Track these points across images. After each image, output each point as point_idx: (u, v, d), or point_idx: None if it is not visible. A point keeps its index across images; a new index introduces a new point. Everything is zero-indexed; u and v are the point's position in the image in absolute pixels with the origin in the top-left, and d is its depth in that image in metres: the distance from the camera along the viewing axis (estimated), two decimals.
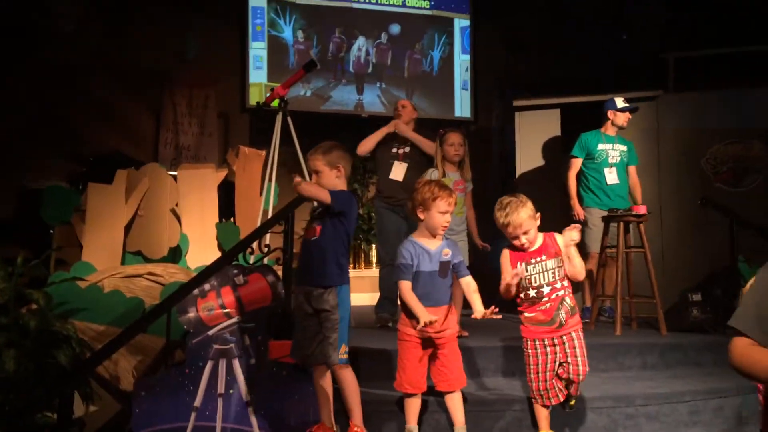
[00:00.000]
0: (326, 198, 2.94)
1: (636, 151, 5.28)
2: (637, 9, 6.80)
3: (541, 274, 2.91)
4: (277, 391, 3.21)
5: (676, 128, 5.94)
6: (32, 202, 4.96)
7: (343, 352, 2.95)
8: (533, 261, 2.93)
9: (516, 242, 2.94)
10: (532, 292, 2.92)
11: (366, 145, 4.89)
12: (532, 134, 6.46)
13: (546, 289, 2.90)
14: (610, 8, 6.98)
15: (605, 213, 4.81)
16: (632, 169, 5.22)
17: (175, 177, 5.03)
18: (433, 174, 4.32)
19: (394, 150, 4.85)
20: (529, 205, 2.92)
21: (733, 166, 5.84)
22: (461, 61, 8.36)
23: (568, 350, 2.91)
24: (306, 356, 3.03)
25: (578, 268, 2.93)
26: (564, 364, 2.92)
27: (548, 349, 2.93)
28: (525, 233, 2.90)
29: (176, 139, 7.45)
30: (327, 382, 3.08)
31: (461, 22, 8.40)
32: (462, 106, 8.32)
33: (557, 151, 6.28)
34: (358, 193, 7.77)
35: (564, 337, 2.92)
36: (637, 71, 5.71)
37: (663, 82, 6.45)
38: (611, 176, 5.04)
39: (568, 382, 2.97)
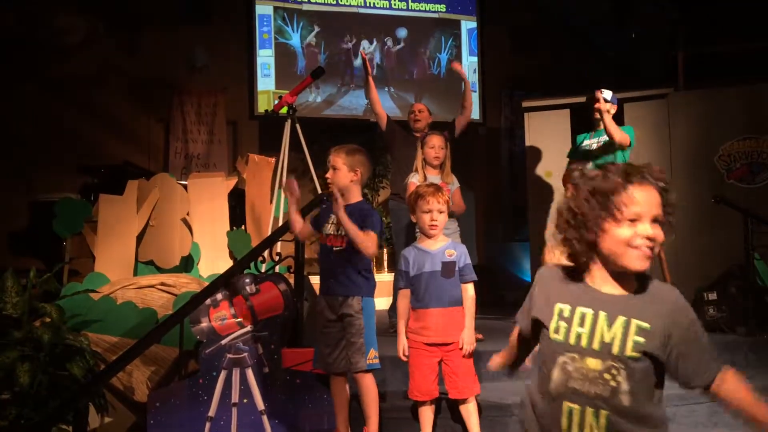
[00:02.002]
0: (369, 246, 2.90)
1: (644, 145, 4.90)
2: (646, 6, 6.75)
3: None
4: (291, 400, 3.20)
5: (688, 126, 5.89)
6: (44, 214, 4.98)
7: (372, 357, 2.95)
8: None
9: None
10: None
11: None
12: (542, 135, 6.43)
13: None
14: (619, 6, 6.94)
15: None
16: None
17: (185, 186, 5.04)
18: (414, 177, 4.23)
19: (410, 175, 4.81)
20: None
21: (746, 163, 5.78)
22: (469, 63, 8.33)
23: None
24: (329, 363, 3.03)
25: None
26: None
27: None
28: None
29: (186, 147, 7.48)
30: (345, 390, 3.09)
31: (468, 24, 8.38)
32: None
33: (566, 151, 6.24)
34: (369, 198, 7.77)
35: None
36: (647, 69, 5.68)
37: (673, 80, 6.40)
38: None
39: None
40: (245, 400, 3.16)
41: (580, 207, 1.50)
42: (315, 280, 4.57)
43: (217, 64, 7.63)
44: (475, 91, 8.33)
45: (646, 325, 1.45)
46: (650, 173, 1.48)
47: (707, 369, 1.45)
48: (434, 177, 4.30)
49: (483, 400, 3.20)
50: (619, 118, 5.34)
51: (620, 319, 1.46)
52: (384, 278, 7.21)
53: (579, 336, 1.47)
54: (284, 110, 5.33)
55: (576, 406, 1.46)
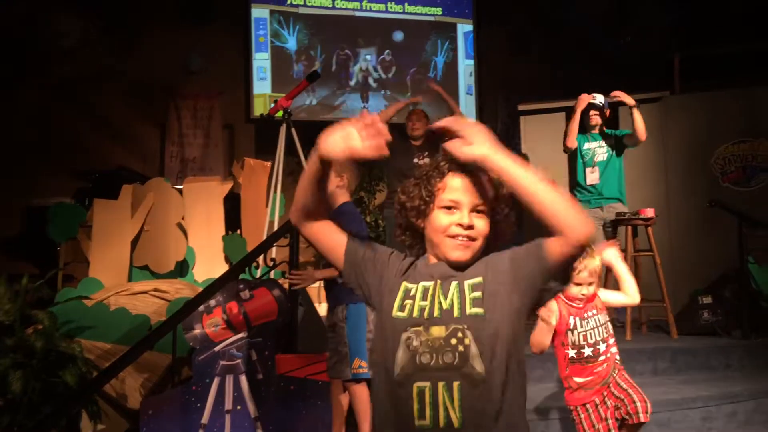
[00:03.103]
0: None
1: (630, 145, 4.99)
2: (642, 10, 6.76)
3: (596, 330, 2.64)
4: (285, 406, 3.19)
5: (683, 129, 5.89)
6: (38, 219, 4.98)
7: (357, 366, 2.94)
8: (587, 315, 2.64)
9: (576, 291, 2.61)
10: (588, 351, 2.61)
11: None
12: (538, 138, 6.43)
13: (602, 346, 2.62)
14: (615, 10, 6.94)
15: (593, 210, 4.69)
16: (628, 136, 4.80)
17: (180, 191, 5.03)
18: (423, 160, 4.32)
19: (416, 160, 4.84)
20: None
21: (741, 166, 5.79)
22: (465, 66, 8.34)
23: (616, 392, 2.63)
24: (328, 369, 3.10)
25: (633, 289, 2.73)
26: (620, 407, 2.61)
27: (600, 407, 2.63)
28: (591, 284, 2.62)
29: (182, 151, 7.47)
30: (342, 397, 3.08)
31: (464, 28, 8.39)
32: (467, 111, 8.28)
33: (562, 155, 6.24)
34: (365, 201, 7.76)
35: (610, 384, 2.65)
36: (642, 72, 5.69)
37: (669, 83, 6.41)
38: (592, 176, 4.80)
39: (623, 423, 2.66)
40: (239, 407, 3.15)
41: (407, 191, 1.47)
42: (312, 285, 4.57)
43: (213, 68, 7.62)
44: (472, 94, 8.34)
45: (477, 279, 1.40)
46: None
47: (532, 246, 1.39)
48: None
49: None
50: (614, 122, 5.36)
51: (453, 284, 1.40)
52: None
53: (422, 309, 1.40)
54: (280, 114, 5.32)
55: (426, 384, 1.35)
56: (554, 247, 1.35)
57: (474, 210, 1.41)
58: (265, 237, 4.89)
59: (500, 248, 1.47)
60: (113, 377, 3.07)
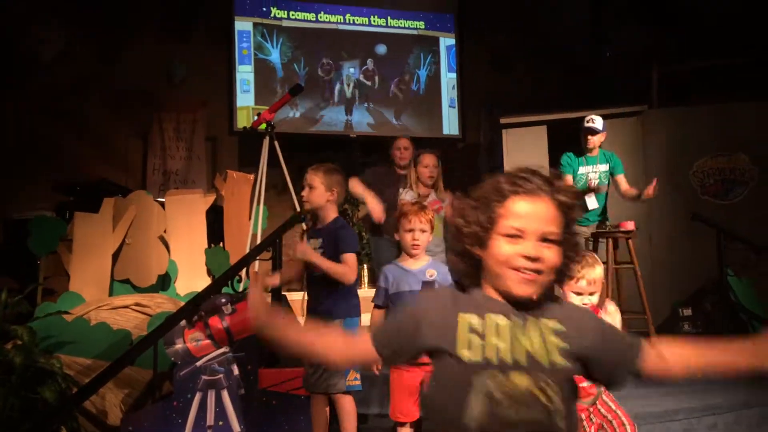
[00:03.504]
0: (348, 276, 2.97)
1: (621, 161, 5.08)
2: (621, 26, 6.87)
3: None
4: (267, 422, 3.17)
5: (662, 143, 5.99)
6: (18, 232, 4.92)
7: (352, 378, 2.94)
8: None
9: (577, 301, 2.51)
10: None
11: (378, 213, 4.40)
12: (520, 151, 6.49)
13: None
14: (594, 25, 7.05)
15: (586, 229, 4.75)
16: (620, 178, 4.84)
17: (162, 203, 5.00)
18: (408, 194, 4.30)
19: (401, 190, 4.81)
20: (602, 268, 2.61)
21: (719, 179, 5.88)
22: (448, 79, 8.40)
23: (603, 410, 2.55)
24: (311, 384, 3.03)
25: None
26: (606, 427, 2.55)
27: (585, 422, 2.56)
28: (592, 293, 2.55)
29: (164, 164, 7.43)
30: (324, 410, 3.07)
31: (447, 41, 8.45)
32: (450, 124, 8.35)
33: (545, 168, 6.30)
34: (349, 213, 7.76)
35: (597, 402, 2.58)
36: (621, 87, 5.78)
37: (647, 98, 6.51)
38: (591, 201, 4.82)
39: None
40: (221, 423, 3.12)
41: (464, 214, 1.29)
42: (292, 298, 4.56)
43: (197, 80, 7.61)
44: (454, 107, 8.40)
45: (558, 326, 1.23)
46: (549, 185, 1.26)
47: (629, 352, 1.24)
48: (426, 194, 4.36)
49: None
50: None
51: (531, 321, 1.23)
52: (363, 294, 7.19)
53: (497, 349, 1.20)
54: (263, 127, 5.33)
55: None
56: (653, 364, 1.23)
57: (542, 239, 1.23)
58: (248, 250, 4.87)
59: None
60: (93, 393, 3.03)
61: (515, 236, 1.23)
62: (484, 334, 1.22)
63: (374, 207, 4.21)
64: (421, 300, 1.36)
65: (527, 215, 1.23)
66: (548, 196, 1.24)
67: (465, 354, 1.21)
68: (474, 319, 1.24)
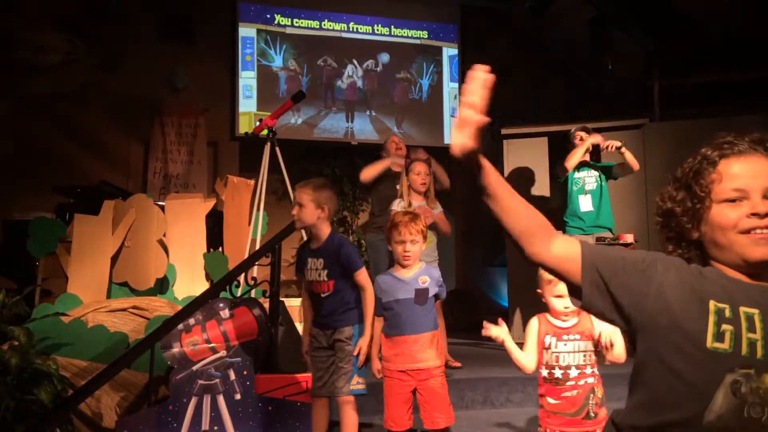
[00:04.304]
0: (373, 295, 3.00)
1: (621, 175, 5.17)
2: (623, 38, 6.90)
3: (572, 355, 2.47)
4: (262, 427, 3.16)
5: (663, 156, 5.99)
6: (17, 233, 4.92)
7: (356, 383, 2.94)
8: (565, 338, 2.49)
9: (559, 305, 2.48)
10: (558, 372, 2.47)
11: (368, 173, 4.89)
12: (520, 162, 6.50)
13: (574, 372, 2.46)
14: (596, 38, 7.07)
15: (585, 237, 4.79)
16: (619, 167, 5.02)
17: (162, 207, 5.00)
18: (400, 204, 4.31)
19: (398, 187, 4.84)
20: None
21: None
22: (450, 88, 8.43)
23: None
24: (316, 388, 3.02)
25: (620, 352, 2.46)
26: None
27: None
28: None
29: (165, 168, 7.45)
30: (325, 414, 3.06)
31: (449, 51, 8.49)
32: (451, 133, 8.34)
33: (544, 178, 6.31)
34: (348, 221, 7.77)
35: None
36: (623, 99, 5.79)
37: (649, 111, 6.52)
38: (585, 203, 4.99)
39: None
40: (216, 428, 3.12)
41: (671, 196, 1.23)
42: (290, 304, 4.56)
43: (199, 85, 7.63)
44: (456, 117, 8.41)
45: None
46: (759, 143, 1.18)
47: None
48: (419, 203, 4.37)
49: (454, 429, 3.18)
50: (596, 150, 5.44)
51: None
52: None
53: (753, 344, 1.08)
54: (265, 132, 5.33)
55: None
56: None
57: (766, 195, 1.14)
58: (247, 255, 4.87)
59: None
60: (89, 396, 3.03)
61: (737, 199, 1.15)
62: (736, 323, 1.10)
63: (393, 162, 4.80)
64: (660, 259, 1.22)
65: (745, 173, 1.15)
66: (762, 153, 1.18)
67: (716, 345, 1.09)
68: (727, 310, 1.11)
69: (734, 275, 1.16)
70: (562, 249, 1.22)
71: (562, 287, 2.40)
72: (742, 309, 1.11)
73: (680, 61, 6.72)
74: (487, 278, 8.10)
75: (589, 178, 5.03)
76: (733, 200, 1.14)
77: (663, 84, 6.62)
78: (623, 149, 4.86)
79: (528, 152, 6.45)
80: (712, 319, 1.10)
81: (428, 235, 4.34)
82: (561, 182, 5.16)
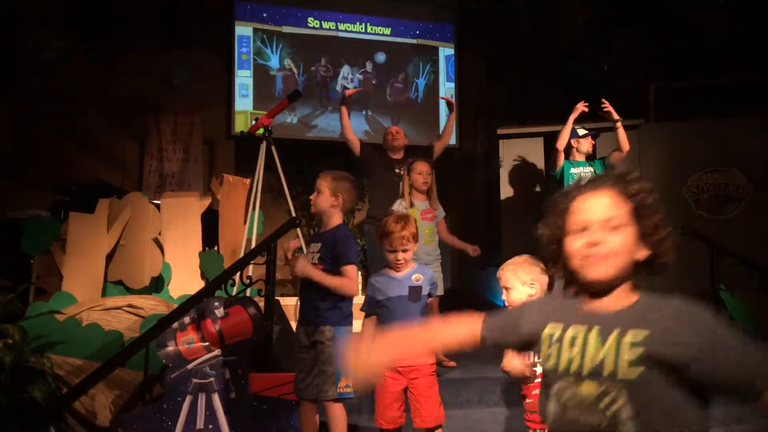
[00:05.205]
0: (350, 289, 2.97)
1: (614, 162, 5.15)
2: (619, 39, 6.91)
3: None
4: (257, 426, 3.17)
5: (658, 157, 6.01)
6: (12, 231, 4.90)
7: (343, 386, 2.92)
8: None
9: (515, 297, 2.53)
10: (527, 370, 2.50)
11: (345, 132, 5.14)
12: (516, 161, 6.52)
13: (539, 369, 2.43)
14: (593, 38, 7.09)
15: None
16: (614, 153, 5.05)
17: (158, 205, 4.99)
18: (401, 205, 4.31)
19: (397, 170, 4.83)
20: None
21: (714, 195, 5.91)
22: (446, 89, 8.43)
23: None
24: (300, 389, 3.00)
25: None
26: None
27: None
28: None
29: (161, 166, 7.43)
30: (314, 417, 3.05)
31: (446, 51, 8.49)
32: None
33: (540, 179, 6.33)
34: (345, 220, 7.76)
35: None
36: (619, 100, 5.79)
37: (644, 112, 6.54)
38: None
39: None
40: (210, 426, 3.12)
41: (545, 224, 1.42)
42: (285, 303, 4.56)
43: (195, 84, 7.61)
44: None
45: (643, 332, 1.23)
46: (612, 179, 1.35)
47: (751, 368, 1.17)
48: (421, 203, 4.38)
49: (449, 428, 3.19)
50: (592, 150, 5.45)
51: (614, 333, 1.25)
52: (357, 300, 7.19)
53: (570, 360, 1.29)
54: (260, 131, 5.33)
55: None
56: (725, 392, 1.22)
57: (610, 227, 1.30)
58: (242, 254, 4.87)
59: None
60: (83, 394, 3.02)
61: (584, 229, 1.32)
62: (562, 343, 1.32)
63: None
64: (528, 308, 1.49)
65: (589, 209, 1.33)
66: (609, 188, 1.34)
67: (546, 364, 1.35)
68: (557, 331, 1.35)
69: (582, 295, 1.37)
70: (482, 328, 1.48)
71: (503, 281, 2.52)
72: (571, 328, 1.32)
73: (676, 63, 6.73)
74: (483, 278, 8.11)
75: (585, 174, 5.04)
76: (582, 230, 1.32)
77: (659, 85, 6.64)
78: (618, 124, 4.94)
79: (524, 152, 6.47)
80: (545, 341, 1.36)
81: (430, 234, 4.36)
82: (557, 177, 5.17)
